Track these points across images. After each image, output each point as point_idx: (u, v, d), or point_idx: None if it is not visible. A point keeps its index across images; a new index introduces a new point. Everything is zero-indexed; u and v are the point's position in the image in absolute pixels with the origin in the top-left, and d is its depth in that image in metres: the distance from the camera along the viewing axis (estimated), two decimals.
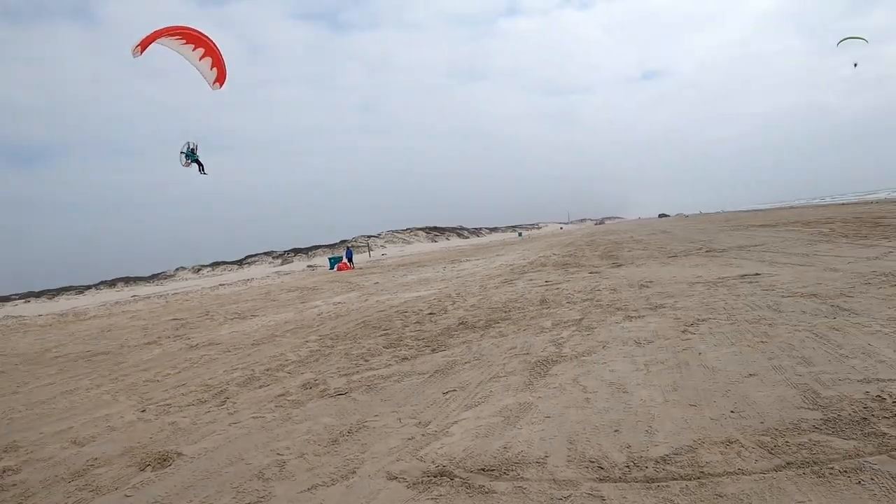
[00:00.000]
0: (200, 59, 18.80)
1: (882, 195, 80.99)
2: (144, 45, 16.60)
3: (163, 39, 17.02)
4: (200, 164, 21.52)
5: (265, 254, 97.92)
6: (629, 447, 3.65)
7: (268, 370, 7.68)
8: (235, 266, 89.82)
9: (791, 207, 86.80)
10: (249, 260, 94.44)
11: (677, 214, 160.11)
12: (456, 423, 4.58)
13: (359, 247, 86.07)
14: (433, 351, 7.48)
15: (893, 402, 3.74)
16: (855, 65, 35.42)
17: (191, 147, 21.51)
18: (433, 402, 5.26)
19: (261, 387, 6.79)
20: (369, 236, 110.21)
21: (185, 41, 18.00)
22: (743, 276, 10.26)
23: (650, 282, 11.15)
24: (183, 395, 6.94)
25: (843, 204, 62.40)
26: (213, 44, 18.34)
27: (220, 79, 18.96)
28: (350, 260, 46.39)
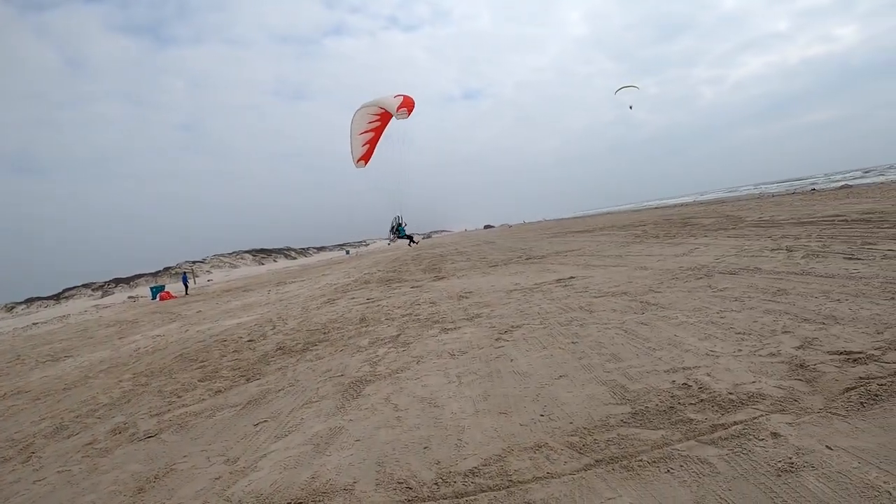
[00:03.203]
0: (367, 138, 20.87)
1: (688, 198, 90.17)
2: (409, 108, 19.11)
3: (391, 109, 19.13)
4: (410, 238, 25.31)
5: (84, 286, 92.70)
6: (438, 463, 3.61)
7: (77, 417, 7.16)
8: (52, 301, 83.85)
9: (608, 213, 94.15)
10: (67, 293, 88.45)
11: (502, 225, 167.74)
12: (265, 456, 4.40)
13: (183, 273, 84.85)
14: (248, 380, 7.22)
15: (699, 388, 4.03)
16: (630, 107, 42.08)
17: (399, 221, 24.56)
18: (244, 436, 5.04)
19: (69, 436, 6.34)
20: (194, 262, 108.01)
21: (383, 117, 20.29)
22: (558, 280, 10.86)
23: (469, 292, 11.45)
24: None
25: (655, 207, 68.65)
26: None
27: (366, 158, 20.74)
28: (186, 286, 46.86)
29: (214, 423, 5.67)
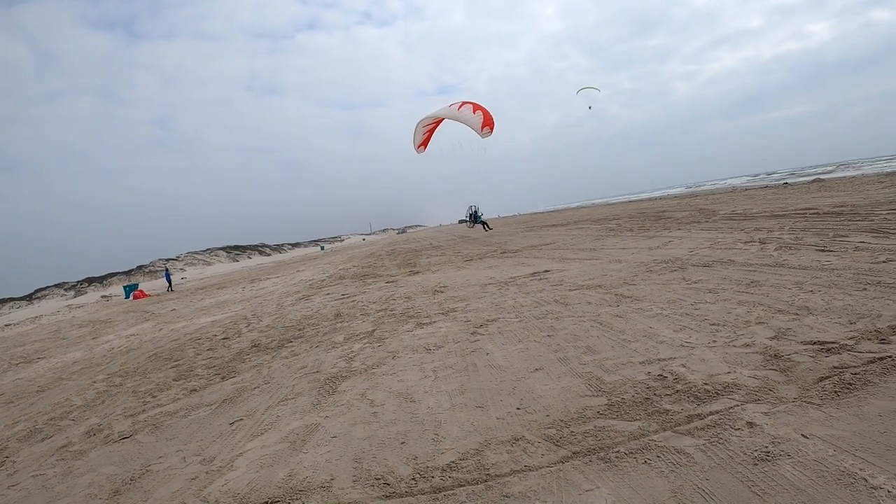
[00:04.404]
0: (428, 129, 29.09)
1: (659, 192, 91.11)
2: (492, 127, 26.95)
3: (475, 128, 26.95)
4: (485, 224, 32.79)
5: (56, 286, 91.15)
6: (416, 458, 3.60)
7: (51, 419, 7.03)
8: (24, 302, 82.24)
9: (582, 207, 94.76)
10: (39, 294, 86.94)
11: None
12: (241, 454, 4.35)
13: (156, 271, 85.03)
14: (223, 379, 7.13)
15: (674, 379, 4.06)
16: (590, 107, 42.74)
17: (474, 210, 31.80)
18: (219, 435, 4.97)
19: (43, 439, 6.22)
20: (167, 259, 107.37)
21: (436, 124, 29.13)
22: (533, 273, 10.91)
23: (444, 287, 11.45)
24: None
25: (629, 201, 69.23)
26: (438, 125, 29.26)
27: (424, 144, 29.52)
28: (169, 282, 46.19)
29: (190, 422, 5.59)
